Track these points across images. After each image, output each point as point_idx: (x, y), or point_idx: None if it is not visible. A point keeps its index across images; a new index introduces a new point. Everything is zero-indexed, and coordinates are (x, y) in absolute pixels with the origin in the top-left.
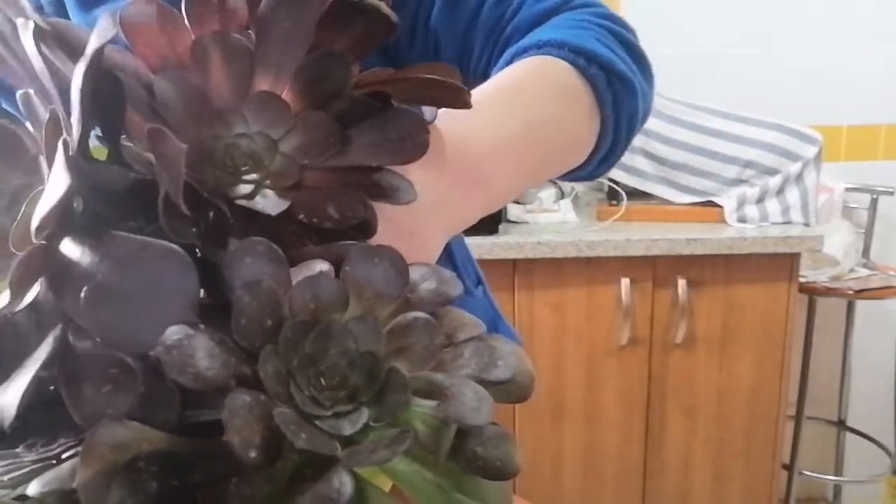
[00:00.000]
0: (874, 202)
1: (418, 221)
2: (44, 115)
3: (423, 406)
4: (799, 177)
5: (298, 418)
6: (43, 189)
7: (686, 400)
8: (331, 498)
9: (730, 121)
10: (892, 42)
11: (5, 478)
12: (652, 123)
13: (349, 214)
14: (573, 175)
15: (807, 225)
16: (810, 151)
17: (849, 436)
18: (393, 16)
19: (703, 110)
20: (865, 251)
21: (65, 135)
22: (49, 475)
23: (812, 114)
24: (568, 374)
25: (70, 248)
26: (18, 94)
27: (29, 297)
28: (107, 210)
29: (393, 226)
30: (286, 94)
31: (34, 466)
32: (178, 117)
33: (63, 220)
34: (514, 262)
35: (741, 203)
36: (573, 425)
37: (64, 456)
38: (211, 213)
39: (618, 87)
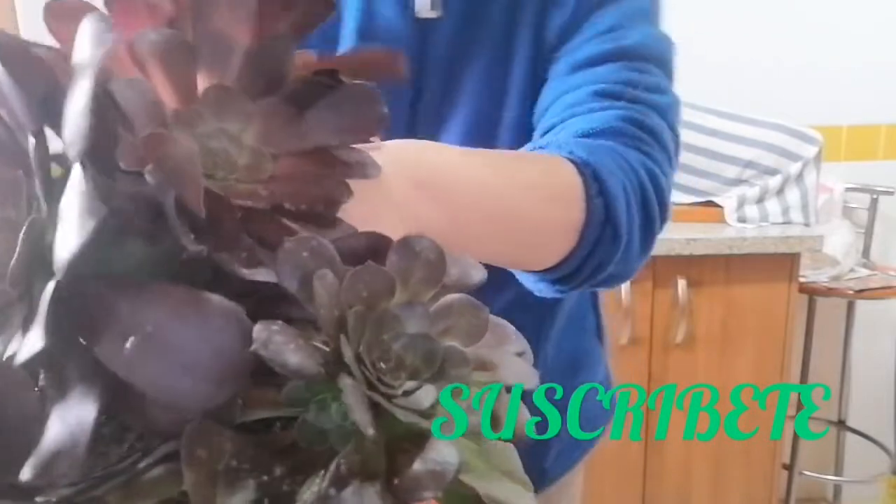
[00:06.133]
0: (874, 202)
1: (376, 213)
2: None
3: (478, 377)
4: (799, 177)
5: (386, 398)
6: (38, 222)
7: (686, 400)
8: (442, 467)
9: (730, 121)
10: (893, 42)
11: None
12: None
13: (334, 198)
14: (531, 275)
15: (807, 225)
16: (810, 151)
17: (849, 436)
18: None
19: (703, 110)
20: (865, 251)
21: (74, 158)
22: (138, 488)
23: (812, 114)
24: None
25: (103, 291)
26: None
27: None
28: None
29: (351, 217)
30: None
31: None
32: (143, 124)
33: (92, 258)
34: None
35: (741, 203)
36: None
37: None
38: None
39: (608, 232)
